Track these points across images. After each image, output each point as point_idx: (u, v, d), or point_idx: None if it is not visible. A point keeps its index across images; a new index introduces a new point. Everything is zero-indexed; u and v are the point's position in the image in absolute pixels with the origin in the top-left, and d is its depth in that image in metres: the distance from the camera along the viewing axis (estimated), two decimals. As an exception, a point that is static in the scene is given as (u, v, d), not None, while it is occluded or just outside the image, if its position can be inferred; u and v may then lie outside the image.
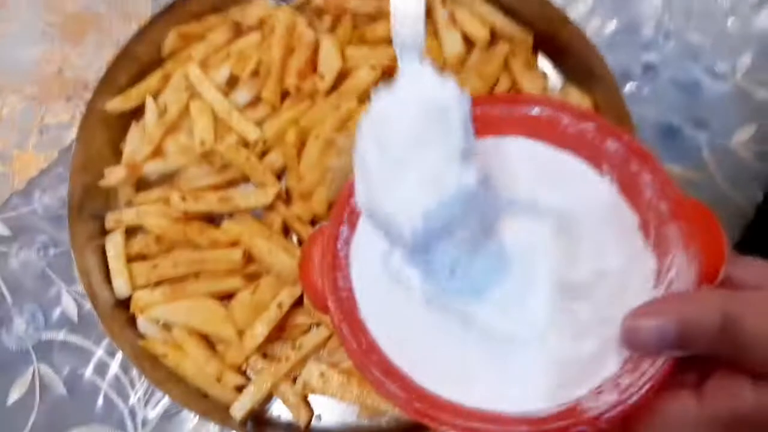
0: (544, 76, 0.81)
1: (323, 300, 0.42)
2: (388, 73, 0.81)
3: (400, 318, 0.41)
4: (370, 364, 0.39)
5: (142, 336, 0.72)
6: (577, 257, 0.40)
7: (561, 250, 0.40)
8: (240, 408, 0.68)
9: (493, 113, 0.45)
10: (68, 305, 0.77)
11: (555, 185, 0.42)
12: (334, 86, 0.80)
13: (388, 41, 0.82)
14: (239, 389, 0.71)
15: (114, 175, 0.77)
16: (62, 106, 0.87)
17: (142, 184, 0.80)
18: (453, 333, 0.40)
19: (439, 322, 0.41)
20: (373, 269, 0.43)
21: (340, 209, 0.45)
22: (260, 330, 0.70)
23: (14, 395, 0.74)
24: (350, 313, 0.42)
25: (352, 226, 0.45)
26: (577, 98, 0.78)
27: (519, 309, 0.39)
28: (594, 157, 0.43)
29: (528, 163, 0.43)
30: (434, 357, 0.40)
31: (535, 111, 0.44)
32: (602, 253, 0.40)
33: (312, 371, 0.69)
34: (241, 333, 0.71)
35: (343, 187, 0.46)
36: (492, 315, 0.39)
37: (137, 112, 0.81)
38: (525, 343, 0.38)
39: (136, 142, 0.80)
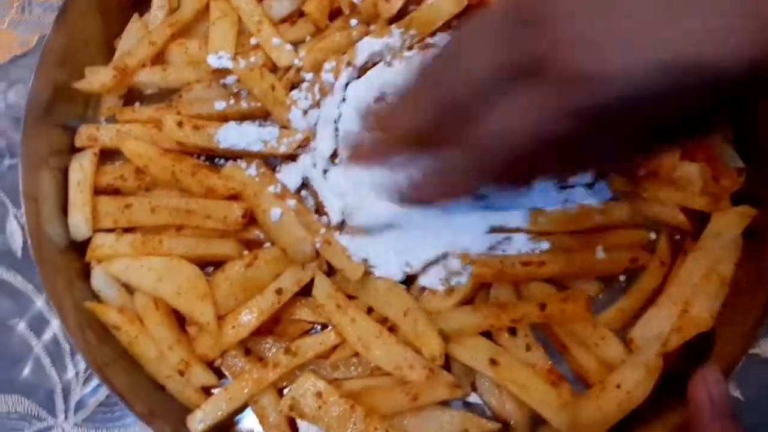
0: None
1: None
2: (475, 5, 0.60)
3: None
4: None
5: (95, 295, 0.54)
6: None
7: None
8: (201, 420, 0.51)
9: None
10: (13, 235, 0.60)
11: None
12: (401, 12, 0.60)
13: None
14: (206, 391, 0.53)
15: (97, 77, 0.59)
16: (54, -19, 0.68)
17: (133, 98, 0.61)
18: None
19: None
20: None
21: None
22: (248, 319, 0.52)
23: None
24: None
25: None
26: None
27: None
28: None
29: None
30: None
31: None
32: None
33: (306, 387, 0.51)
34: (222, 317, 0.53)
35: None
36: None
37: (142, 3, 0.63)
38: None
39: (133, 41, 0.61)
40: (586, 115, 0.33)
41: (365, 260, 0.53)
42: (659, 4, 0.31)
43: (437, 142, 0.40)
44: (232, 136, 0.56)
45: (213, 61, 0.58)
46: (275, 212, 0.54)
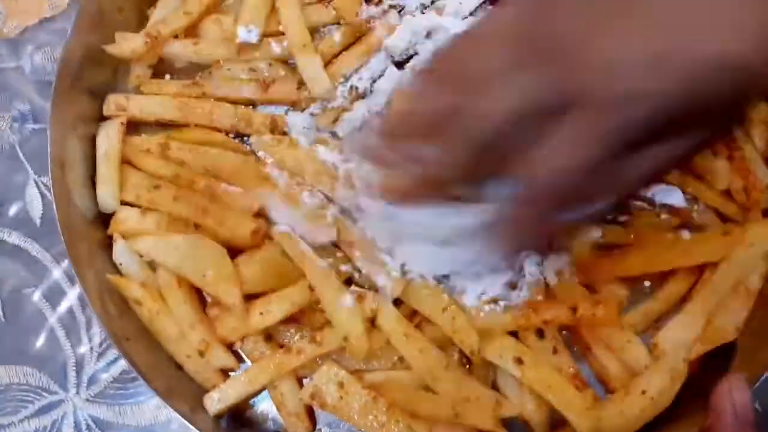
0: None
1: None
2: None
3: None
4: None
5: (116, 268, 0.53)
6: None
7: None
8: (218, 400, 0.50)
9: None
10: (33, 201, 0.59)
11: None
12: None
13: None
14: (224, 373, 0.52)
15: (127, 43, 0.57)
16: (87, -53, 0.66)
17: (164, 70, 0.60)
18: None
19: None
20: None
21: None
22: (276, 310, 0.51)
23: (-67, 302, 0.56)
24: None
25: None
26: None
27: None
28: None
29: None
30: None
31: None
32: None
33: (328, 377, 0.50)
34: (249, 299, 0.51)
35: None
36: None
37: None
38: None
39: (168, 11, 0.60)
40: (629, 137, 0.33)
41: (402, 264, 0.52)
42: (671, 6, 0.31)
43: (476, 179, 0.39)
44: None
45: (242, 33, 0.57)
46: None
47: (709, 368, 0.52)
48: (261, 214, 0.53)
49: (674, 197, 0.54)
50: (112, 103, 0.57)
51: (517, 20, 0.35)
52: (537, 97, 0.34)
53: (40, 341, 0.55)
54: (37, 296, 0.56)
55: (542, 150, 0.35)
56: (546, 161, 0.35)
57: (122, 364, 0.54)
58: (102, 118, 0.57)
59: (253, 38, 0.57)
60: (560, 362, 0.51)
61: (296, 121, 0.56)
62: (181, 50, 0.58)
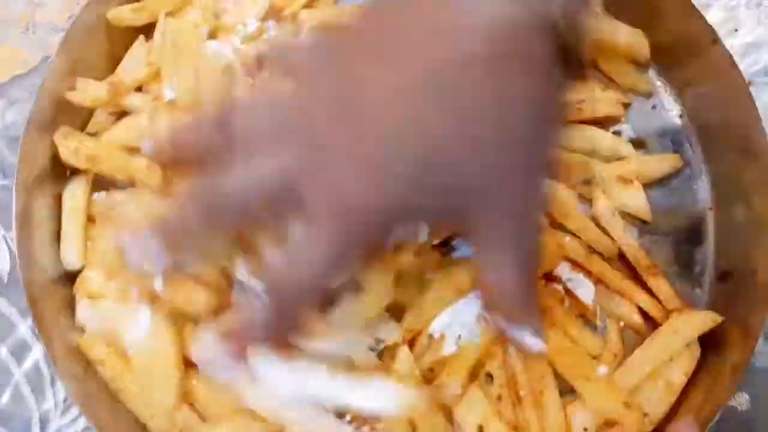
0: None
1: None
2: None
3: None
4: None
5: (80, 329, 0.54)
6: None
7: None
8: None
9: None
10: (0, 257, 0.59)
11: None
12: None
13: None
14: (189, 431, 0.53)
15: (90, 90, 0.57)
16: (60, 3, 0.67)
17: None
18: None
19: None
20: None
21: None
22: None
23: None
24: None
25: None
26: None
27: None
28: None
29: None
30: None
31: None
32: None
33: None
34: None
35: None
36: None
37: (149, 29, 0.62)
38: None
39: (136, 61, 0.60)
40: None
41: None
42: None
43: None
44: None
45: (168, 93, 0.56)
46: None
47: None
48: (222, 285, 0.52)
49: (585, 292, 0.54)
50: (65, 147, 0.55)
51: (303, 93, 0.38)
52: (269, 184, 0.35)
53: (5, 397, 0.56)
54: (3, 352, 0.57)
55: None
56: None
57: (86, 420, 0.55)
58: (71, 172, 0.57)
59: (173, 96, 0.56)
60: (502, 407, 0.51)
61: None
62: (141, 104, 0.57)
